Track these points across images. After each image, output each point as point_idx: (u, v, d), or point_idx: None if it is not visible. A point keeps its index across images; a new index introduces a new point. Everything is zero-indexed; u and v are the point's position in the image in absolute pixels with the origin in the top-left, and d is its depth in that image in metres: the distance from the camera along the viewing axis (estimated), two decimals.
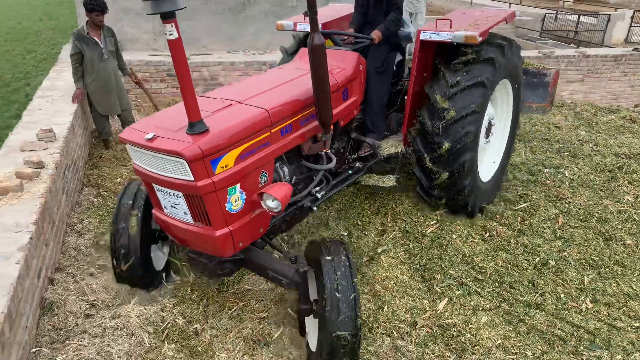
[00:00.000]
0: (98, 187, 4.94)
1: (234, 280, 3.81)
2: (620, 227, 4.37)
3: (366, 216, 4.51)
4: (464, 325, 3.38)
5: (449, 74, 3.96)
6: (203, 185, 2.64)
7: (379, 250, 4.07)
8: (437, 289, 3.72)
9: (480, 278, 3.83)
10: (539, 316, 3.52)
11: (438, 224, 4.29)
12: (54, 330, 3.06)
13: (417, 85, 4.15)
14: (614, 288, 3.73)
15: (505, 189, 4.87)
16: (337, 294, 2.69)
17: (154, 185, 2.91)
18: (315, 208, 3.53)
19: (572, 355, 3.22)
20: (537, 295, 3.69)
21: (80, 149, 5.24)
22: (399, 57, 4.51)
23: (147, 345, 2.99)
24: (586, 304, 3.62)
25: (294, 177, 3.46)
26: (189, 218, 2.88)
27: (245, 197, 2.89)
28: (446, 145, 3.89)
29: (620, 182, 4.99)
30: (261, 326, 3.32)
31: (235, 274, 3.34)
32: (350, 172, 4.05)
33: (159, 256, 3.69)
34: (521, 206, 4.58)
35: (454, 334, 3.33)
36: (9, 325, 2.44)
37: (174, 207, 2.91)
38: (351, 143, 4.18)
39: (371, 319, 3.43)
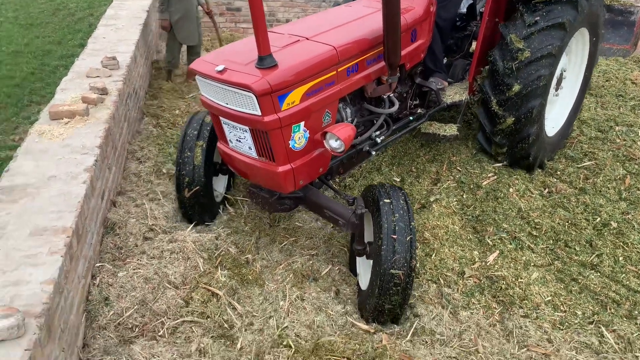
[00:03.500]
0: (157, 117, 5.06)
1: (285, 216, 3.89)
2: None
3: (421, 163, 4.42)
4: (513, 279, 3.33)
5: (527, 13, 3.74)
6: (269, 121, 2.68)
7: (432, 199, 4.01)
8: (489, 241, 3.66)
9: (535, 234, 3.73)
10: (593, 277, 3.42)
11: (495, 177, 4.16)
12: (115, 248, 3.24)
13: (488, 29, 3.93)
14: None
15: (569, 145, 4.63)
16: (393, 235, 2.75)
17: (220, 118, 2.98)
18: (373, 152, 3.50)
19: (624, 319, 3.14)
20: (594, 256, 3.56)
21: (141, 78, 5.34)
22: (469, 0, 4.25)
23: (202, 269, 3.13)
24: None
25: (355, 120, 3.41)
26: (253, 153, 2.95)
27: (308, 135, 2.92)
28: (516, 87, 3.73)
29: None
30: (310, 262, 3.40)
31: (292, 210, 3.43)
32: (411, 118, 3.97)
33: (218, 189, 3.81)
34: (585, 164, 4.36)
35: (503, 286, 3.29)
36: (76, 240, 2.59)
37: (239, 141, 2.98)
38: (414, 88, 4.05)
39: (418, 265, 3.44)
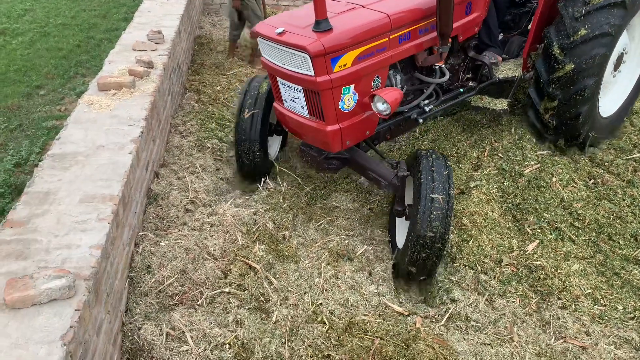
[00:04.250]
0: (199, 92, 5.13)
1: (322, 195, 3.91)
2: None
3: (462, 148, 4.35)
4: (552, 270, 3.27)
5: None
6: (322, 81, 2.87)
7: (471, 185, 3.95)
8: (528, 230, 3.59)
9: (577, 225, 3.63)
10: (637, 272, 3.32)
11: (538, 165, 4.05)
12: (158, 219, 3.33)
13: (546, 6, 3.86)
14: None
15: (619, 135, 4.45)
16: (432, 196, 2.92)
17: (277, 78, 3.21)
18: (421, 120, 3.59)
19: None
20: (639, 251, 3.45)
21: (185, 53, 5.41)
22: None
23: (240, 243, 3.19)
24: None
25: (405, 88, 3.50)
26: (305, 112, 3.17)
27: (358, 98, 3.07)
28: (569, 65, 3.65)
29: None
30: (346, 242, 3.42)
31: (338, 172, 3.68)
32: (461, 90, 3.99)
33: (272, 150, 4.09)
34: (635, 156, 4.19)
35: (541, 276, 3.23)
36: (122, 208, 2.68)
37: (293, 101, 3.20)
38: (467, 62, 4.06)
39: (454, 250, 3.41)
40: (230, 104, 5.04)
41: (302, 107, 3.16)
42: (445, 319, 2.92)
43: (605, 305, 3.10)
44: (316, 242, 3.40)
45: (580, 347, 2.82)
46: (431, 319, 2.92)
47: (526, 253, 3.41)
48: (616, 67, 4.12)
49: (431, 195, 2.92)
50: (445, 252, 3.23)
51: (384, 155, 3.51)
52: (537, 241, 3.50)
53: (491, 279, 3.24)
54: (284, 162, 4.21)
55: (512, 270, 3.31)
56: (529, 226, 3.62)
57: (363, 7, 3.17)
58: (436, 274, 3.26)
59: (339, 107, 3.00)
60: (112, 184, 2.69)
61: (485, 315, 2.98)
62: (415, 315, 2.92)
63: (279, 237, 3.36)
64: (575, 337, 2.87)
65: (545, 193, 3.83)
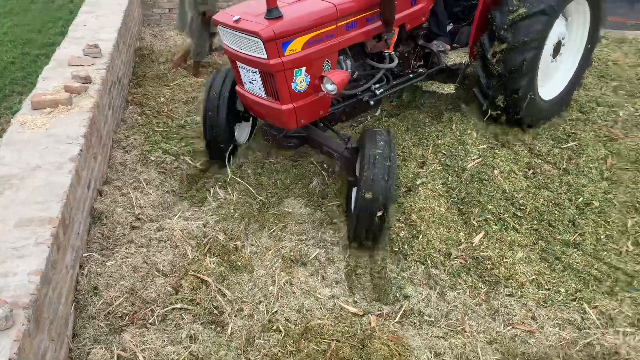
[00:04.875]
0: (142, 105, 5.02)
1: (274, 202, 3.90)
2: None
3: (407, 147, 4.45)
4: (498, 259, 3.39)
5: None
6: (274, 64, 3.15)
7: (418, 182, 4.04)
8: (474, 223, 3.71)
9: (519, 215, 3.78)
10: (576, 255, 3.49)
11: (480, 159, 4.21)
12: (103, 238, 3.23)
13: None
14: None
15: (554, 126, 4.68)
16: (376, 159, 3.20)
17: (237, 62, 3.49)
18: (372, 102, 3.93)
19: (606, 295, 3.21)
20: (577, 235, 3.63)
21: (125, 66, 5.28)
22: None
23: (190, 257, 3.14)
24: (627, 246, 3.55)
25: (357, 72, 3.83)
26: (262, 93, 3.45)
27: (309, 80, 3.36)
28: (510, 40, 4.02)
29: None
30: (299, 247, 3.42)
31: (298, 147, 3.98)
32: (411, 75, 4.33)
33: (242, 136, 4.39)
34: (569, 145, 4.42)
35: (488, 266, 3.35)
36: (62, 230, 2.59)
37: (252, 83, 3.48)
38: (417, 50, 4.40)
39: (406, 247, 3.49)
40: (175, 115, 4.96)
41: (260, 89, 3.44)
42: (399, 315, 2.97)
43: (548, 290, 3.24)
44: (269, 250, 3.39)
45: (528, 331, 2.94)
46: (385, 317, 2.96)
47: (473, 245, 3.52)
48: (555, 53, 4.46)
49: (373, 161, 3.19)
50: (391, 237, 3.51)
51: (339, 132, 3.82)
52: (483, 232, 3.62)
53: (441, 273, 3.33)
54: (236, 169, 4.18)
55: (461, 263, 3.41)
56: (474, 218, 3.74)
57: None
58: (388, 270, 3.32)
59: (292, 87, 3.30)
60: (51, 205, 2.59)
61: (438, 309, 3.05)
62: (370, 315, 2.96)
63: (231, 248, 3.33)
64: (523, 323, 2.98)
65: (488, 186, 3.98)
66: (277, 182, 4.07)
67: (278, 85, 3.27)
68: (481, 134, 4.52)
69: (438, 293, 3.17)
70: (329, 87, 3.29)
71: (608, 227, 3.69)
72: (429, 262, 3.40)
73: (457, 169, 4.18)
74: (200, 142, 4.39)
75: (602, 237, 3.62)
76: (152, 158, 4.10)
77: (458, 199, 3.93)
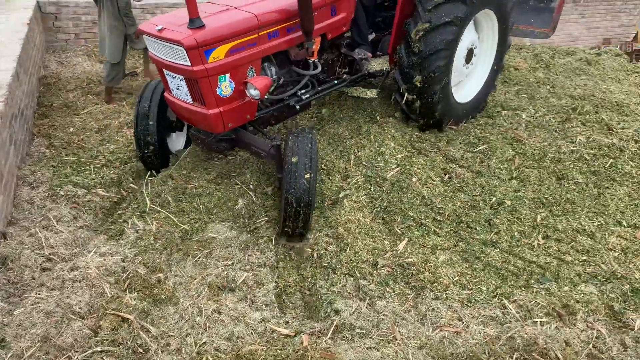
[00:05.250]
0: (49, 137, 4.73)
1: (198, 228, 3.79)
2: (572, 166, 4.53)
3: (330, 161, 4.49)
4: (422, 264, 3.49)
5: None
6: (198, 70, 3.31)
7: (342, 195, 4.10)
8: (397, 230, 3.81)
9: (439, 219, 3.93)
10: (494, 253, 3.67)
11: (399, 168, 4.33)
12: (9, 284, 2.99)
13: (406, 6, 4.49)
14: (564, 224, 3.91)
15: (465, 131, 4.93)
16: (293, 159, 3.40)
17: (163, 70, 3.61)
18: (298, 107, 4.12)
19: (523, 289, 3.40)
20: (493, 233, 3.83)
21: (28, 97, 4.96)
22: None
23: (109, 295, 2.97)
24: (538, 240, 3.79)
25: (282, 79, 4.05)
26: (189, 98, 3.59)
27: (234, 85, 3.54)
28: (423, 50, 4.31)
29: (574, 122, 5.12)
30: (225, 272, 3.34)
31: (229, 151, 4.16)
32: (335, 81, 4.56)
33: (177, 146, 4.54)
34: (479, 148, 4.67)
35: (414, 272, 3.44)
36: None
37: (179, 89, 3.62)
38: (341, 57, 4.66)
39: (334, 261, 3.51)
40: (86, 145, 4.72)
41: (186, 94, 3.57)
42: (331, 331, 2.97)
43: (471, 289, 3.38)
44: (195, 279, 3.28)
45: (455, 332, 3.04)
46: (317, 335, 2.95)
47: (398, 252, 3.61)
48: (468, 60, 4.81)
49: (293, 158, 3.40)
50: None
51: (267, 133, 4.04)
52: (406, 239, 3.73)
53: (370, 283, 3.37)
54: (155, 197, 4.03)
55: (388, 271, 3.48)
56: (397, 226, 3.84)
57: (236, 8, 3.63)
58: (318, 287, 3.32)
59: (217, 93, 3.46)
60: None
61: (368, 320, 3.09)
62: (302, 334, 2.93)
63: (153, 281, 3.19)
64: (449, 324, 3.09)
65: (408, 193, 4.10)
66: (200, 207, 3.96)
67: (203, 91, 3.42)
68: (398, 144, 4.66)
69: (368, 304, 3.21)
70: (253, 92, 3.47)
71: (520, 223, 3.92)
72: (358, 273, 3.44)
73: (378, 180, 4.28)
74: (114, 171, 4.21)
75: (515, 233, 3.84)
76: (62, 193, 3.86)
77: (381, 208, 4.02)
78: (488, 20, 4.86)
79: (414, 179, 4.23)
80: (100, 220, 3.81)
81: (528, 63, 6.66)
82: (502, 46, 5.04)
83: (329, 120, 5.19)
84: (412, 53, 4.38)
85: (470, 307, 3.23)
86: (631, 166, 4.60)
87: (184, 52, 3.25)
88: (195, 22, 3.26)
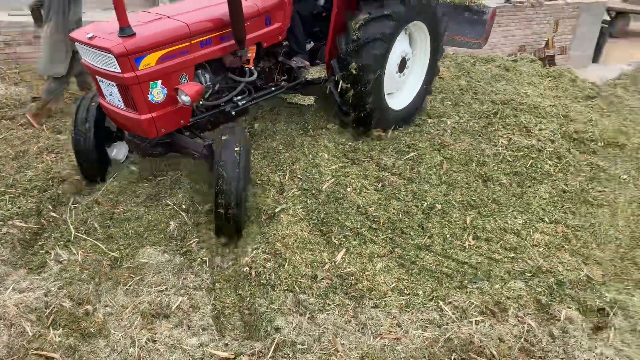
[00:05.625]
0: None
1: (128, 254, 3.63)
2: (496, 168, 4.75)
3: (265, 175, 4.46)
4: (361, 273, 3.52)
5: (364, 5, 4.61)
6: (128, 77, 3.37)
7: (278, 210, 4.07)
8: (335, 241, 3.82)
9: (375, 227, 3.99)
10: (428, 257, 3.77)
11: (334, 179, 4.37)
12: None
13: (339, 19, 4.69)
14: (492, 224, 4.09)
15: (396, 139, 5.04)
16: (224, 158, 3.53)
17: (96, 77, 3.63)
18: (233, 113, 4.23)
19: (458, 290, 3.51)
20: (426, 237, 3.93)
21: None
22: None
23: (30, 334, 2.76)
24: (469, 241, 3.93)
25: (218, 85, 4.15)
26: (121, 104, 3.63)
27: (166, 92, 3.61)
28: (354, 65, 4.50)
29: (496, 126, 5.39)
30: (159, 299, 3.21)
31: (164, 155, 4.16)
32: (273, 88, 4.70)
33: (119, 155, 4.53)
34: (410, 155, 4.80)
35: (352, 282, 3.46)
36: None
37: (111, 95, 3.65)
38: (279, 66, 4.79)
39: (273, 277, 3.46)
40: (1, 173, 4.40)
41: (119, 100, 3.61)
42: (272, 350, 2.92)
43: (409, 294, 3.45)
44: (126, 308, 3.13)
45: (395, 339, 3.07)
46: (258, 355, 2.88)
47: (336, 263, 3.61)
48: (401, 69, 5.04)
49: (224, 157, 3.53)
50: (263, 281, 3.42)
51: (202, 136, 4.10)
52: (344, 249, 3.75)
53: (310, 297, 3.35)
54: (80, 224, 3.82)
55: (327, 283, 3.47)
56: (335, 237, 3.85)
57: (168, 17, 3.70)
58: (257, 305, 3.26)
59: (149, 99, 3.53)
60: None
61: (309, 335, 3.06)
62: (242, 356, 2.86)
63: (81, 314, 3.00)
64: (389, 331, 3.12)
65: (344, 204, 4.14)
66: (130, 232, 3.80)
67: (135, 97, 3.48)
68: (332, 155, 4.70)
69: (308, 318, 3.18)
70: (184, 98, 3.56)
71: (451, 226, 4.05)
72: (297, 288, 3.41)
73: (314, 192, 4.29)
74: (33, 200, 3.96)
75: (447, 236, 3.96)
76: None
77: (318, 220, 4.03)
78: (419, 29, 5.09)
79: (348, 189, 4.27)
80: (19, 253, 3.56)
81: (451, 71, 6.95)
82: (435, 53, 5.32)
83: (262, 134, 5.16)
84: (344, 68, 4.57)
85: (408, 312, 3.29)
86: (549, 165, 4.90)
87: (114, 59, 3.31)
88: (125, 30, 3.33)
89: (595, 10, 11.07)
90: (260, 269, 3.53)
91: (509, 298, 3.39)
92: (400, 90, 5.29)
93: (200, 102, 3.92)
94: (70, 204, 4.00)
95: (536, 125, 5.50)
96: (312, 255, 3.69)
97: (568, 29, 10.94)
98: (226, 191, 3.52)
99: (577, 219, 4.32)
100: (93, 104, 4.15)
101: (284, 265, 3.55)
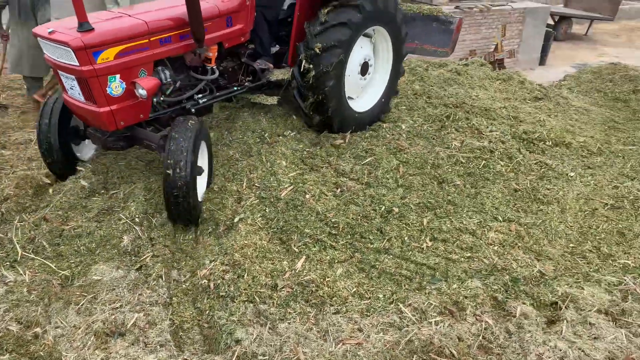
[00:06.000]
0: None
1: (80, 271, 3.50)
2: (450, 170, 4.86)
3: (222, 184, 4.40)
4: (321, 280, 3.51)
5: (321, 14, 4.68)
6: (86, 70, 3.49)
7: (236, 219, 4.02)
8: (295, 249, 3.80)
9: (334, 232, 4.00)
10: (387, 260, 3.80)
11: (292, 186, 4.35)
12: None
13: (299, 25, 4.85)
14: (448, 225, 4.17)
15: (354, 144, 5.07)
16: (176, 136, 3.67)
17: (58, 71, 3.74)
18: (193, 110, 4.32)
19: (417, 291, 3.55)
20: (385, 241, 3.97)
21: None
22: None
23: None
24: (426, 242, 3.99)
25: (179, 82, 4.26)
26: (81, 97, 3.73)
27: (125, 86, 3.72)
28: (313, 72, 4.65)
29: (449, 129, 5.52)
30: (114, 317, 3.11)
31: (127, 148, 4.26)
32: (235, 88, 4.84)
33: (88, 154, 4.69)
34: (367, 160, 4.84)
35: (313, 289, 3.44)
36: None
37: (72, 89, 3.76)
38: (243, 66, 4.95)
39: (232, 289, 3.41)
40: None
41: (79, 94, 3.71)
42: None
43: (369, 298, 3.46)
44: (79, 328, 3.01)
45: (357, 344, 3.08)
46: None
47: (297, 271, 3.59)
48: (364, 72, 5.19)
49: (176, 144, 3.63)
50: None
51: (162, 129, 4.19)
52: (304, 257, 3.73)
53: (270, 307, 3.32)
54: (28, 243, 3.65)
55: (288, 292, 3.45)
56: (294, 245, 3.84)
57: (129, 16, 3.83)
58: (217, 318, 3.20)
59: (108, 92, 3.63)
60: None
61: (271, 345, 3.03)
62: None
63: (29, 337, 2.87)
64: (351, 337, 3.12)
65: (303, 211, 4.13)
66: (81, 249, 3.66)
67: (93, 90, 3.59)
68: (290, 162, 4.69)
69: (269, 328, 3.15)
70: (141, 92, 3.67)
71: (409, 228, 4.11)
72: (257, 298, 3.37)
73: (272, 200, 4.26)
74: None
75: (405, 238, 4.01)
76: None
77: (277, 228, 4.00)
78: (380, 34, 5.22)
79: (307, 196, 4.27)
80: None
81: (405, 77, 7.07)
82: (398, 58, 5.47)
83: (218, 143, 5.09)
84: (304, 75, 4.72)
85: (369, 316, 3.30)
86: (501, 165, 5.05)
87: (72, 53, 3.42)
88: (83, 25, 3.45)
89: (539, 15, 11.52)
90: (219, 281, 3.47)
91: (466, 297, 3.46)
92: (364, 93, 5.45)
93: (162, 98, 4.07)
94: (15, 222, 3.82)
95: (487, 127, 5.67)
96: (271, 264, 3.66)
97: (515, 33, 11.33)
98: (173, 177, 3.61)
99: (529, 217, 4.46)
100: (57, 104, 4.24)
101: (243, 276, 3.50)
